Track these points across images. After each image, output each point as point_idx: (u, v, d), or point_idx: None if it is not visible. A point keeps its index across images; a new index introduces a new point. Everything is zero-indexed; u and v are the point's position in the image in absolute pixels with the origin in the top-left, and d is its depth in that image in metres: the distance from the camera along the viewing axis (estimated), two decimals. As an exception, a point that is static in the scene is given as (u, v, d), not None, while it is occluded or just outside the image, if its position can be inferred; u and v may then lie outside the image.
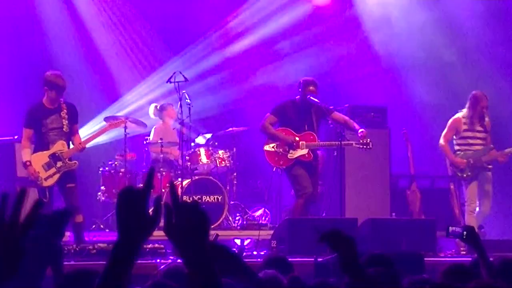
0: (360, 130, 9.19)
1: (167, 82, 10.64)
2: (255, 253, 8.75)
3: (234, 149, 11.60)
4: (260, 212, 11.67)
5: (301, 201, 9.18)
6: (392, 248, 8.00)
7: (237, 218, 11.48)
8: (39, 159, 8.72)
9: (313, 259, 6.76)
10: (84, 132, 10.88)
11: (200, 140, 11.69)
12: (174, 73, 10.44)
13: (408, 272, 3.99)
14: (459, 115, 9.92)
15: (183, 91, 10.81)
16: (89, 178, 11.49)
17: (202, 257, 1.98)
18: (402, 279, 3.66)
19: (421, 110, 13.39)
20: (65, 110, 8.77)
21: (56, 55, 12.53)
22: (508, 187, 12.58)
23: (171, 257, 7.61)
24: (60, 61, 12.38)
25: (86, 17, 12.92)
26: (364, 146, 9.21)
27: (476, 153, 9.83)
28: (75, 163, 8.86)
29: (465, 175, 9.79)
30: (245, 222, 11.27)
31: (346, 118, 9.50)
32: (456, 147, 9.95)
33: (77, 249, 8.05)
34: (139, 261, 2.08)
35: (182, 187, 10.55)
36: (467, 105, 9.87)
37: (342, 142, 9.26)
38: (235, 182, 11.75)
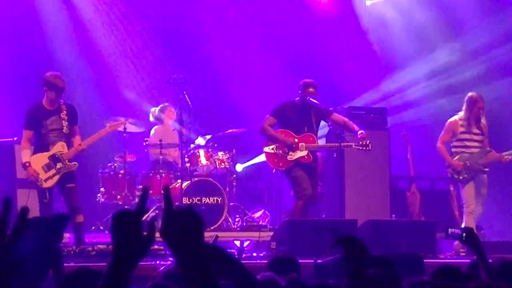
0: (360, 132, 9.19)
1: (166, 83, 10.64)
2: (254, 254, 8.76)
3: (234, 151, 11.60)
4: (259, 213, 11.67)
5: (301, 203, 9.17)
6: (392, 250, 8.00)
7: (236, 219, 11.48)
8: (39, 161, 8.72)
9: (312, 261, 6.75)
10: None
11: (200, 141, 11.69)
12: (174, 74, 10.44)
13: (408, 273, 3.99)
14: (456, 117, 10.00)
15: (184, 92, 10.81)
16: (89, 180, 11.49)
17: (198, 260, 1.98)
18: (402, 280, 3.66)
19: (421, 111, 13.40)
20: (64, 112, 8.77)
21: (56, 55, 12.53)
22: (508, 187, 12.59)
23: (171, 259, 7.60)
24: (61, 61, 12.39)
25: (86, 16, 12.91)
26: (364, 148, 9.21)
27: (473, 156, 9.86)
28: (75, 164, 8.86)
29: (461, 177, 9.84)
30: (244, 224, 11.27)
31: (346, 119, 9.50)
32: (453, 149, 9.99)
33: (77, 250, 8.05)
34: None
35: (181, 189, 10.55)
36: (463, 107, 9.92)
37: (342, 144, 9.26)
38: (235, 183, 11.74)
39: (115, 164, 11.37)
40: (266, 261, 5.24)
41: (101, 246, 8.12)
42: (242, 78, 13.42)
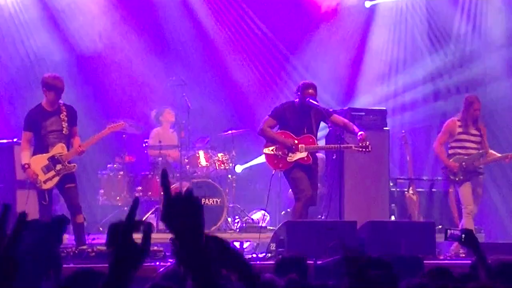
0: (360, 133, 9.18)
1: (166, 85, 10.64)
2: (254, 255, 8.75)
3: (233, 152, 11.61)
4: (259, 215, 11.67)
5: (300, 204, 9.17)
6: (391, 251, 7.99)
7: (236, 221, 11.48)
8: (39, 162, 8.71)
9: (312, 262, 6.75)
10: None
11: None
12: (173, 76, 10.45)
13: (407, 275, 3.99)
14: (454, 118, 10.07)
15: (183, 94, 10.80)
16: (88, 181, 11.49)
17: (198, 246, 1.99)
18: (401, 282, 3.66)
19: (420, 113, 13.41)
20: (64, 113, 8.76)
21: (55, 56, 12.52)
22: (507, 188, 12.62)
23: (170, 260, 7.60)
24: (60, 62, 12.39)
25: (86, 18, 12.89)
26: (363, 149, 9.20)
27: (470, 157, 9.90)
28: (74, 166, 8.86)
29: (457, 179, 9.89)
30: (244, 225, 11.27)
31: (345, 120, 9.49)
32: (450, 151, 10.03)
33: (76, 251, 8.04)
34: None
35: (181, 190, 10.54)
36: (461, 109, 10.01)
37: (342, 145, 9.26)
38: (234, 185, 11.74)
39: (115, 166, 11.38)
40: (273, 262, 5.22)
41: (100, 247, 8.12)
42: (242, 79, 13.42)
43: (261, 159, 10.41)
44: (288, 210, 10.82)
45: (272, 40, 13.54)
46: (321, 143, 10.01)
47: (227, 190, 11.42)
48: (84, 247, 8.27)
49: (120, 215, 11.44)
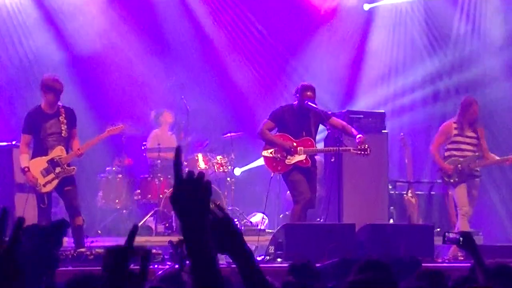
0: (358, 136, 9.18)
1: (166, 85, 10.65)
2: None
3: (232, 155, 11.61)
4: (258, 217, 11.67)
5: (299, 207, 9.16)
6: (390, 254, 7.99)
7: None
8: (38, 165, 8.70)
9: (305, 261, 6.74)
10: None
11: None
12: (173, 76, 10.45)
13: (406, 277, 4.00)
14: (451, 120, 10.10)
15: (182, 96, 10.80)
16: (87, 184, 11.49)
17: (202, 230, 2.00)
18: (400, 284, 3.67)
19: (419, 115, 13.42)
20: (63, 115, 8.75)
21: (54, 58, 12.53)
22: (506, 190, 12.63)
23: (169, 263, 7.60)
24: (59, 64, 12.39)
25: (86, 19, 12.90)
26: (362, 152, 9.20)
27: (465, 159, 9.90)
28: (74, 168, 8.85)
29: (452, 180, 9.90)
30: (243, 228, 11.27)
31: (344, 123, 9.50)
32: (446, 153, 10.04)
33: (75, 254, 8.03)
34: (137, 267, 2.09)
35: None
36: (458, 111, 10.03)
37: (340, 148, 9.26)
38: (233, 187, 11.74)
39: (114, 168, 11.37)
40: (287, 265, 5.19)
41: (99, 250, 8.11)
42: (241, 81, 13.42)
43: (260, 161, 10.40)
44: (287, 213, 10.82)
45: (271, 42, 13.55)
46: (320, 145, 10.01)
47: (226, 193, 11.42)
48: (83, 249, 8.26)
49: (119, 218, 11.44)
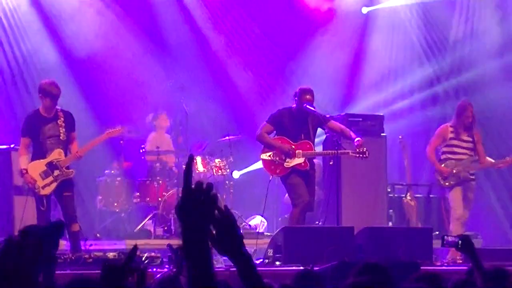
0: (357, 139, 9.18)
1: (164, 88, 10.65)
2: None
3: (231, 158, 11.60)
4: (256, 220, 11.66)
5: (298, 210, 9.16)
6: (389, 257, 8.00)
7: (233, 226, 11.45)
8: (36, 168, 8.71)
9: (309, 268, 6.74)
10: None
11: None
12: (172, 79, 10.45)
13: (404, 280, 4.00)
14: (447, 124, 10.12)
15: (181, 100, 10.80)
16: (86, 187, 11.49)
17: (202, 242, 1.99)
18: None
19: (419, 118, 13.43)
20: (62, 118, 8.76)
21: (54, 61, 12.53)
22: (505, 192, 12.63)
23: (167, 266, 7.60)
24: (58, 67, 12.39)
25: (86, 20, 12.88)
26: (361, 155, 9.20)
27: (461, 163, 9.91)
28: (72, 171, 8.86)
29: (447, 183, 9.91)
30: (241, 231, 11.24)
31: (343, 126, 9.50)
32: (442, 156, 10.07)
33: (73, 258, 8.03)
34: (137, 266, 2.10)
35: (178, 196, 10.55)
36: (454, 115, 10.07)
37: (339, 151, 9.26)
38: (232, 190, 11.74)
39: (112, 171, 11.37)
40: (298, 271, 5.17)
41: (97, 254, 8.11)
42: (240, 84, 13.43)
43: (259, 164, 10.40)
44: (286, 216, 10.81)
45: (270, 45, 13.55)
46: (318, 149, 10.01)
47: (224, 196, 11.41)
48: (80, 254, 8.25)
49: (117, 220, 11.44)
